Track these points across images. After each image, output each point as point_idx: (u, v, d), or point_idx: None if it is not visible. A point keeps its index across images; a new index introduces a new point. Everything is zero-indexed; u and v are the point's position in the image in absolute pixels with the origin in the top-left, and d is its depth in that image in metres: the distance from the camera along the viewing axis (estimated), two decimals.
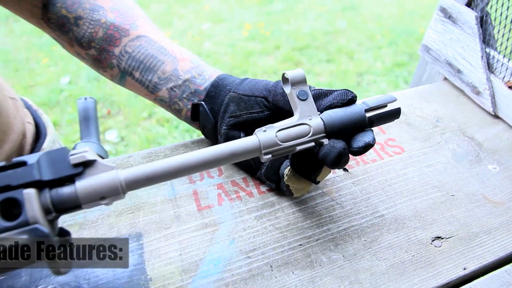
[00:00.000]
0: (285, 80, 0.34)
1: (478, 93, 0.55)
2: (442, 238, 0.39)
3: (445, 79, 0.61)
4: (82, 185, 0.26)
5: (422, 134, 0.51)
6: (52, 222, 0.26)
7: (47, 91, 2.17)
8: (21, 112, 0.62)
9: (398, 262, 0.37)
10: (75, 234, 0.39)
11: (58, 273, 0.25)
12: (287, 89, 0.33)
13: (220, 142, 0.44)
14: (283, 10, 3.11)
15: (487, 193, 0.44)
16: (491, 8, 0.52)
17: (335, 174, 0.45)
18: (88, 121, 0.68)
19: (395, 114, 0.34)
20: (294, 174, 0.37)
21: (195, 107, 0.45)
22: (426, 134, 0.51)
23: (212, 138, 0.46)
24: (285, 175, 0.38)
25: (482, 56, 0.52)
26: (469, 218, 0.41)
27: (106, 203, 0.27)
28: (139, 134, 1.92)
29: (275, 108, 0.39)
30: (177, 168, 0.28)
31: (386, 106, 0.34)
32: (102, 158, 0.65)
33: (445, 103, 0.57)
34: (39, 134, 0.65)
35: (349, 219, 0.40)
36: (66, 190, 0.26)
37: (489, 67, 0.53)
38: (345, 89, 0.34)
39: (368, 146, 0.32)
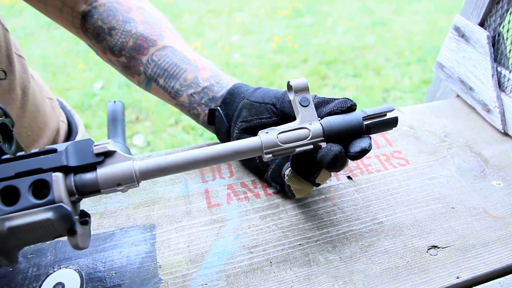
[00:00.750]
0: (289, 87, 0.37)
1: (488, 110, 0.56)
2: (438, 247, 0.41)
3: (458, 96, 0.62)
4: (102, 172, 0.30)
5: (429, 148, 0.53)
6: (74, 203, 0.30)
7: (80, 95, 2.29)
8: (56, 112, 0.68)
9: (392, 266, 0.39)
10: (96, 222, 0.43)
11: (77, 247, 0.29)
12: (291, 96, 0.37)
13: None
14: (312, 24, 3.15)
15: (488, 207, 0.45)
16: (503, 28, 0.54)
17: (339, 181, 0.47)
18: (115, 123, 0.73)
19: (392, 122, 0.37)
20: (294, 174, 0.40)
21: (212, 112, 0.49)
22: (433, 148, 0.53)
23: (226, 141, 0.49)
24: (286, 175, 0.41)
25: (493, 75, 0.54)
26: (467, 230, 0.43)
27: (122, 190, 0.31)
28: (165, 140, 1.99)
29: (282, 114, 0.42)
30: (186, 161, 0.32)
31: (384, 115, 0.37)
32: None
33: (455, 119, 0.58)
34: (70, 132, 0.71)
35: (349, 224, 0.42)
36: (88, 176, 0.30)
37: (500, 86, 0.54)
38: (345, 98, 0.37)
39: (364, 151, 0.35)
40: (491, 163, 0.51)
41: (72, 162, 0.30)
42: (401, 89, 2.41)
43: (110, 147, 0.31)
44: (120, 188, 0.31)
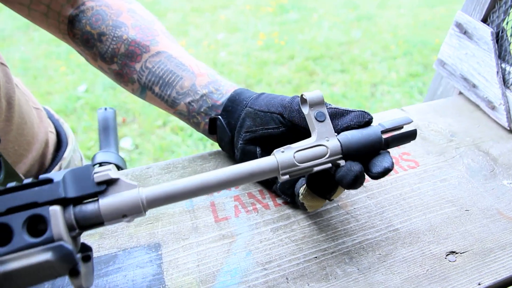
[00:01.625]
0: (303, 101, 0.35)
1: (493, 108, 0.55)
2: (457, 253, 0.40)
3: (460, 93, 0.61)
4: (105, 203, 0.27)
5: (437, 148, 0.51)
6: (75, 238, 0.28)
7: (64, 99, 2.23)
8: (44, 122, 0.65)
9: (413, 276, 0.37)
10: (96, 243, 0.40)
11: None
12: (305, 110, 0.34)
13: (236, 156, 0.45)
14: (297, 20, 3.13)
15: (501, 208, 0.44)
16: (507, 24, 0.53)
17: None
18: (107, 131, 0.70)
19: (411, 135, 0.35)
20: (309, 193, 0.38)
21: (213, 121, 0.46)
22: (441, 149, 0.51)
23: (229, 151, 0.47)
24: (300, 194, 0.39)
25: (497, 72, 0.53)
26: (483, 233, 0.42)
27: (128, 221, 0.28)
28: (153, 142, 1.95)
29: (291, 124, 0.40)
30: (196, 187, 0.29)
31: (402, 127, 0.35)
32: (121, 168, 0.67)
33: (459, 117, 0.57)
34: (60, 143, 0.68)
35: (364, 233, 0.41)
36: (90, 207, 0.27)
37: (505, 82, 0.53)
38: (361, 111, 0.35)
39: (387, 171, 0.33)
40: (500, 162, 0.50)
41: (71, 193, 0.27)
42: (388, 83, 2.42)
43: (113, 174, 0.28)
44: (126, 219, 0.28)
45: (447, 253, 0.40)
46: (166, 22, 3.06)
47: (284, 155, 0.32)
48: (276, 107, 0.41)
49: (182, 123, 2.04)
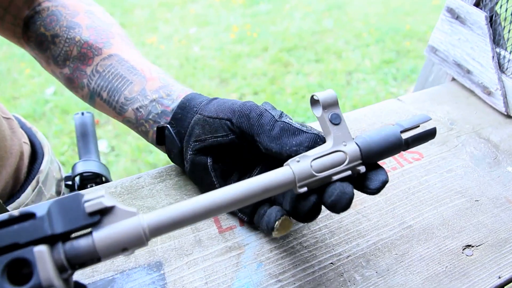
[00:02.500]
0: (314, 102, 0.31)
1: (489, 93, 0.54)
2: (473, 246, 0.38)
3: (453, 79, 0.60)
4: (101, 236, 0.23)
5: (438, 138, 0.50)
6: (67, 280, 0.24)
7: (31, 103, 2.11)
8: (17, 133, 0.59)
9: (433, 274, 0.36)
10: (89, 267, 0.36)
11: None
12: (318, 113, 0.31)
13: (186, 168, 0.41)
14: (269, 11, 3.10)
15: (510, 196, 0.44)
16: (500, 7, 0.52)
17: None
18: (86, 138, 0.65)
19: (431, 134, 0.32)
20: (288, 222, 0.33)
21: (160, 130, 0.41)
22: (442, 138, 0.50)
23: (180, 164, 0.42)
24: (275, 229, 0.33)
25: (493, 56, 0.52)
26: (496, 223, 0.41)
27: (128, 254, 0.24)
28: (130, 143, 1.89)
29: (239, 131, 0.36)
30: (206, 209, 0.25)
31: (419, 126, 0.32)
32: (105, 176, 0.62)
33: (456, 104, 0.56)
34: (35, 154, 0.62)
35: (377, 232, 0.39)
36: (83, 242, 0.23)
37: (500, 67, 0.53)
38: (315, 134, 0.32)
39: (384, 184, 0.30)
40: (501, 148, 0.49)
41: (59, 228, 0.23)
42: (363, 70, 2.43)
43: (107, 201, 0.24)
44: (126, 253, 0.24)
45: (464, 247, 0.38)
46: (134, 18, 2.96)
47: (300, 165, 0.28)
48: (225, 112, 0.36)
49: None
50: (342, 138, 0.30)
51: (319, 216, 0.40)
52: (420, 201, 0.42)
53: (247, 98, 2.17)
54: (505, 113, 0.53)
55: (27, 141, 0.62)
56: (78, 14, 0.47)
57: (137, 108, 0.43)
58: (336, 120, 0.30)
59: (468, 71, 0.56)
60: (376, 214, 0.41)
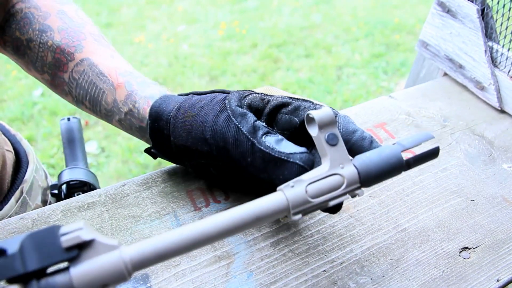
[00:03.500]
0: (310, 120, 0.29)
1: (482, 88, 0.53)
2: (470, 249, 0.37)
3: (445, 74, 0.59)
4: (78, 272, 0.22)
5: None
6: None
7: (19, 105, 2.07)
8: None
9: (429, 279, 0.35)
10: None
11: None
12: (314, 132, 0.29)
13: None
14: (257, 7, 3.07)
15: (506, 194, 0.43)
16: (492, 0, 0.51)
17: None
18: (73, 144, 0.63)
19: (433, 154, 0.30)
20: None
21: (149, 152, 0.41)
22: (436, 135, 0.49)
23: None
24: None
25: (485, 51, 0.51)
26: (493, 223, 0.40)
27: None
28: (120, 144, 1.86)
29: (222, 162, 0.35)
30: (193, 241, 0.24)
31: (420, 144, 0.31)
32: (92, 185, 0.60)
33: (449, 100, 0.55)
34: (19, 162, 0.60)
35: (372, 237, 0.38)
36: (59, 279, 0.22)
37: (493, 61, 0.51)
38: (299, 165, 0.30)
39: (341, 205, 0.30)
40: (496, 144, 0.48)
41: (32, 265, 0.21)
42: (353, 65, 2.42)
43: (85, 235, 0.22)
44: None
45: (460, 250, 0.37)
46: (122, 17, 2.92)
47: (295, 191, 0.26)
48: (199, 143, 0.34)
49: None
50: (339, 160, 0.28)
51: (311, 222, 0.39)
52: (415, 202, 0.41)
53: None
54: (499, 108, 0.52)
55: (11, 149, 0.60)
56: (49, 16, 0.45)
57: (118, 121, 0.41)
58: (333, 141, 0.28)
59: (461, 66, 0.55)
60: (370, 217, 0.39)
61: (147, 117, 0.38)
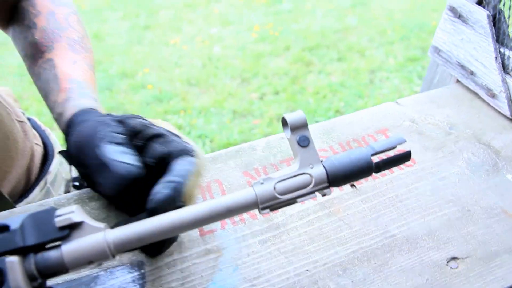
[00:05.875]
0: (284, 123, 0.31)
1: (493, 95, 0.52)
2: (459, 259, 0.37)
3: (458, 81, 0.58)
4: (68, 249, 0.26)
5: (434, 143, 0.48)
6: (40, 287, 0.26)
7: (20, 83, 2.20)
8: (29, 135, 0.62)
9: (411, 286, 0.35)
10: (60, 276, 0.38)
11: None
12: (288, 134, 0.31)
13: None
14: (291, 10, 3.08)
15: (506, 206, 0.42)
16: (504, 5, 0.49)
17: (342, 192, 0.43)
18: None
19: (404, 157, 0.31)
20: None
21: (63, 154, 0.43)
22: (439, 143, 0.48)
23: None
24: None
25: (496, 57, 0.49)
26: (487, 235, 0.39)
27: (96, 266, 0.26)
28: None
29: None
30: (170, 226, 0.27)
31: (395, 147, 0.32)
32: None
33: (458, 107, 0.54)
34: (47, 155, 0.65)
35: (358, 241, 0.38)
36: (52, 254, 0.26)
37: (504, 68, 0.50)
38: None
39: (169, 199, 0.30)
40: (503, 154, 0.47)
41: (30, 240, 0.25)
42: (387, 69, 2.37)
43: (76, 217, 0.26)
44: (93, 265, 0.26)
45: (448, 260, 0.37)
46: (160, 19, 3.02)
47: (263, 188, 0.29)
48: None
49: (180, 122, 2.01)
50: (309, 160, 0.30)
51: (300, 223, 0.40)
52: (407, 210, 0.41)
53: (268, 97, 2.17)
54: (510, 117, 0.51)
55: (40, 142, 0.65)
56: (40, 14, 0.51)
57: (55, 119, 0.45)
58: (304, 143, 0.30)
59: (472, 73, 0.54)
60: (358, 222, 0.40)
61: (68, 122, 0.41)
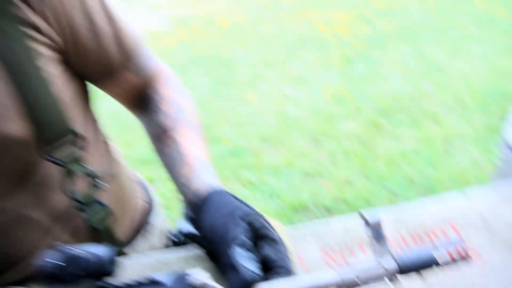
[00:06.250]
0: (361, 216, 0.39)
1: None
2: None
3: None
4: None
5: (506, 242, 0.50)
6: None
7: (145, 148, 2.39)
8: (136, 190, 0.74)
9: None
10: None
11: None
12: (363, 227, 0.39)
13: None
14: (364, 72, 3.14)
15: None
16: None
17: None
18: None
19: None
20: None
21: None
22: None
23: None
24: None
25: None
26: None
27: None
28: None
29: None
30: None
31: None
32: None
33: None
34: (148, 208, 0.77)
35: None
36: None
37: None
38: None
39: None
40: None
41: None
42: (464, 138, 2.28)
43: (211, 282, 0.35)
44: None
45: None
46: (239, 77, 3.24)
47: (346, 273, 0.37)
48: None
49: (251, 178, 2.11)
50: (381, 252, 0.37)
51: None
52: None
53: (338, 161, 2.20)
54: None
55: (143, 197, 0.78)
56: (162, 100, 0.62)
57: (179, 188, 0.55)
58: (378, 238, 0.37)
59: None
60: None
61: (200, 197, 0.50)
